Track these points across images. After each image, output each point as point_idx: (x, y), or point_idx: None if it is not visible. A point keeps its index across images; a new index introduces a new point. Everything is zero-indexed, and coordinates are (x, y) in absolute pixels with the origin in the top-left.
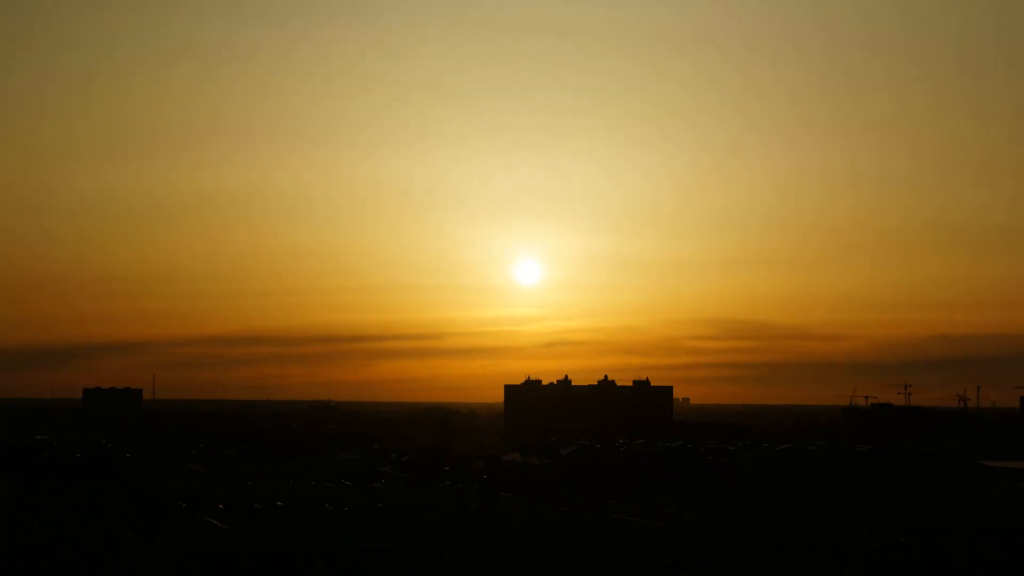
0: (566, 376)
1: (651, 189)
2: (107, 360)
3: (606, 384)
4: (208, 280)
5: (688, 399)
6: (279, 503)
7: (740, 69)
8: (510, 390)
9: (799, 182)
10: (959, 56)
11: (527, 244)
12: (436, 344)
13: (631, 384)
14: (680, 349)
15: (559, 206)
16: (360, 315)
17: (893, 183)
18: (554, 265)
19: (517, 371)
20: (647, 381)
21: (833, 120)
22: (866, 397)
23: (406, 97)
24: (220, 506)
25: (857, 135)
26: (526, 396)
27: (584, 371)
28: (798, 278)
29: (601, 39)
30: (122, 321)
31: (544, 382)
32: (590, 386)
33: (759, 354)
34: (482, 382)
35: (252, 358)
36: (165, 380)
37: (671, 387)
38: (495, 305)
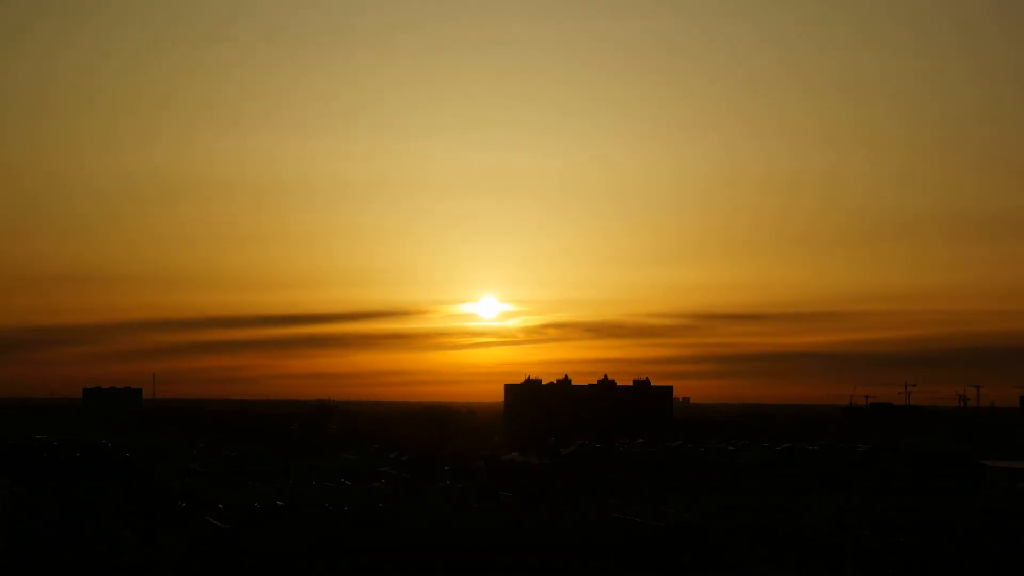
0: (566, 376)
1: (625, 177)
2: (65, 350)
3: (606, 384)
4: (168, 268)
5: (688, 399)
6: (279, 503)
7: (729, 60)
8: (510, 390)
9: (795, 171)
10: (960, 40)
11: (497, 234)
12: (416, 331)
13: (631, 384)
14: (674, 342)
15: (531, 193)
16: (321, 305)
17: (892, 174)
18: (528, 255)
19: (500, 361)
20: (647, 381)
21: (834, 109)
22: (866, 397)
23: (388, 80)
24: (220, 506)
25: (859, 123)
26: (526, 396)
27: (583, 369)
28: (794, 270)
29: (578, 21)
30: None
31: (544, 382)
32: (590, 386)
33: (756, 348)
34: (465, 370)
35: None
36: (125, 370)
37: (671, 387)
38: (463, 297)
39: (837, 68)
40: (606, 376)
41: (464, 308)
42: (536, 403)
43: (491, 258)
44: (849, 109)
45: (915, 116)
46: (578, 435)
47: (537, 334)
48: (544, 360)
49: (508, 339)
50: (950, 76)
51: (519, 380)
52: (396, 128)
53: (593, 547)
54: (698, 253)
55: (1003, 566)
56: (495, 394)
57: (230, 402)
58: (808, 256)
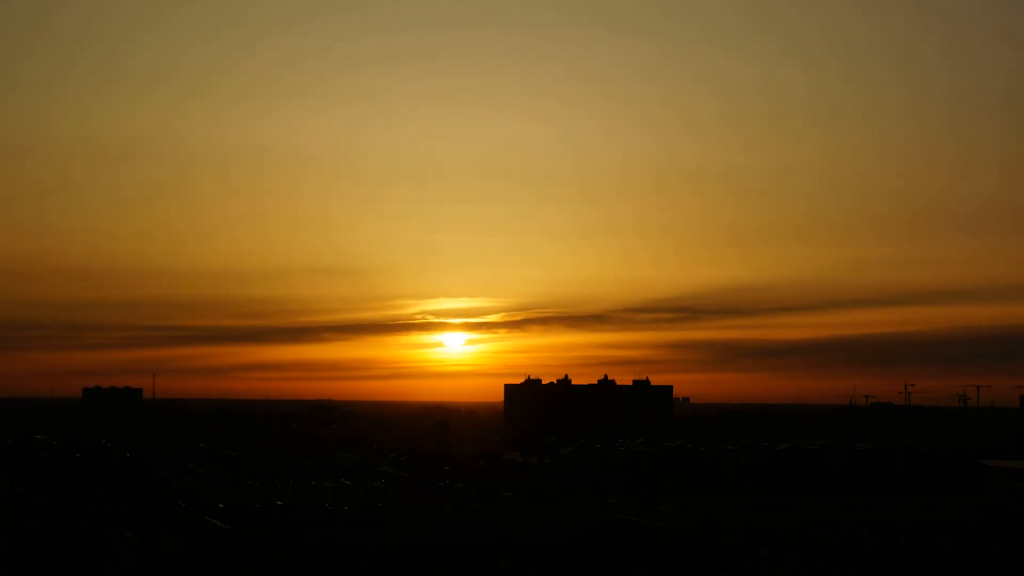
0: (566, 375)
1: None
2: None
3: (606, 384)
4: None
5: (688, 399)
6: (279, 503)
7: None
8: (510, 389)
9: (787, 164)
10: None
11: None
12: (392, 323)
13: (631, 384)
14: (656, 336)
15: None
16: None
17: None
18: (505, 248)
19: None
20: (647, 381)
21: (834, 101)
22: (866, 397)
23: (351, 60)
24: (220, 506)
25: (856, 115)
26: (526, 396)
27: (583, 369)
28: (788, 262)
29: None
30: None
31: (544, 381)
32: (590, 385)
33: (753, 343)
34: (448, 365)
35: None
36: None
37: (671, 387)
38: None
39: (829, 53)
40: (606, 376)
41: (441, 304)
42: (536, 403)
43: (467, 250)
44: (848, 94)
45: (920, 107)
46: (578, 435)
47: (519, 329)
48: (526, 354)
49: (492, 334)
50: (957, 61)
51: (499, 373)
52: (371, 113)
53: (593, 547)
54: (683, 247)
55: (1003, 566)
56: (495, 394)
57: (230, 402)
58: (802, 249)
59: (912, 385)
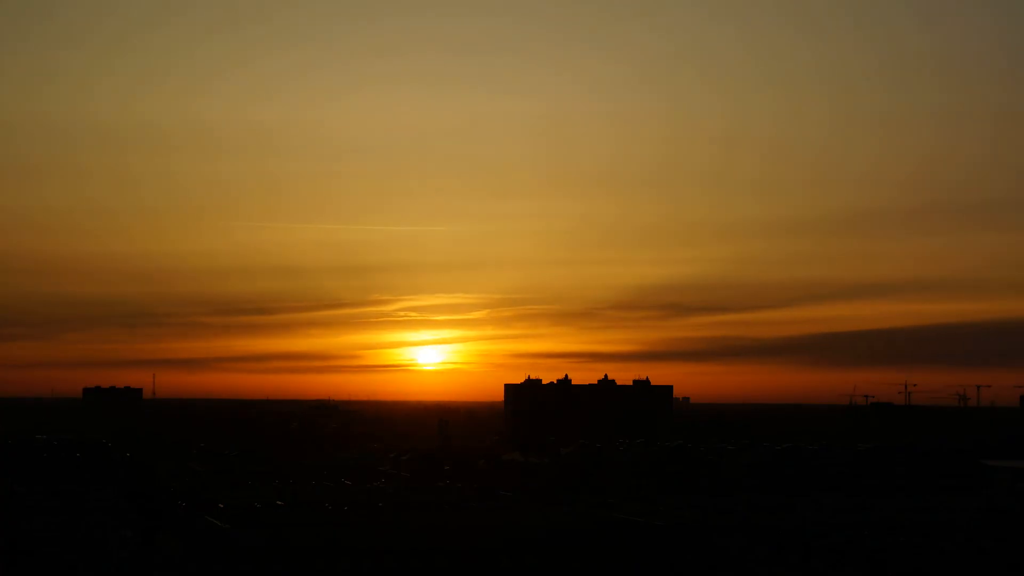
0: (566, 376)
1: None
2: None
3: (606, 384)
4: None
5: (688, 399)
6: (279, 503)
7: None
8: (510, 389)
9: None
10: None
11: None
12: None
13: (631, 384)
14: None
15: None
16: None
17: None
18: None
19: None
20: (647, 381)
21: (835, 87)
22: (866, 397)
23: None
24: (220, 506)
25: (857, 100)
26: (526, 395)
27: (576, 365)
28: (784, 259)
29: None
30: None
31: (544, 381)
32: (590, 386)
33: (751, 341)
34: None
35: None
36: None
37: (671, 387)
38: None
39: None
40: (606, 376)
41: (424, 300)
42: (536, 403)
43: (447, 244)
44: (854, 77)
45: (933, 95)
46: (578, 435)
47: (505, 325)
48: (517, 350)
49: (479, 331)
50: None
51: (489, 370)
52: (367, 109)
53: (593, 547)
54: (678, 242)
55: (1003, 566)
56: (495, 394)
57: (230, 401)
58: (797, 245)
59: (913, 385)
